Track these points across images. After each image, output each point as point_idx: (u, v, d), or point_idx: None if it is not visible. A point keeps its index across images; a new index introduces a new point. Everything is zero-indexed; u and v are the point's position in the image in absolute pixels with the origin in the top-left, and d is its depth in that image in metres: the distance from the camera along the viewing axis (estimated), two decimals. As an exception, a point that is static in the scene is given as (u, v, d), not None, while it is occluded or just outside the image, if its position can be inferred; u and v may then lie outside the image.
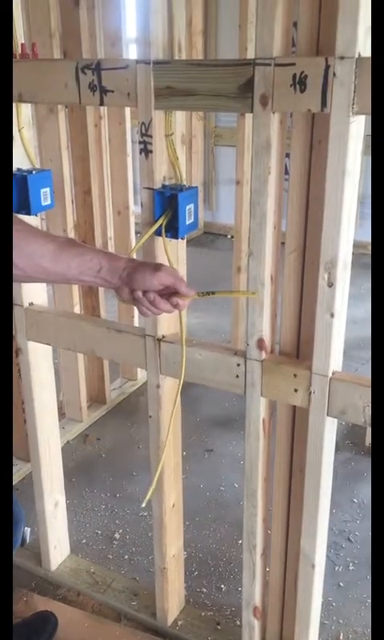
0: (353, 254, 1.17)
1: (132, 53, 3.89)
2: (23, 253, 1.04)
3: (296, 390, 1.25)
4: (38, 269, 1.08)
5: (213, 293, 1.22)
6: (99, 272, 1.12)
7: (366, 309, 3.51)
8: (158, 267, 1.14)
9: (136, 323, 2.83)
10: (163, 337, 1.39)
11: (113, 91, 1.26)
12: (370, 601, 1.83)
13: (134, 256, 1.29)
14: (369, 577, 1.91)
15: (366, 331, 3.12)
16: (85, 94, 1.30)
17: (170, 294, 1.15)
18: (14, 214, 1.26)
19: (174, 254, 1.34)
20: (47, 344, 1.64)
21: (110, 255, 1.14)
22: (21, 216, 1.49)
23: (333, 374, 1.21)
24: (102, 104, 1.29)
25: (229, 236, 4.89)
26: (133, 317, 2.88)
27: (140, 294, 1.13)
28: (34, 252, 1.07)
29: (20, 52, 1.42)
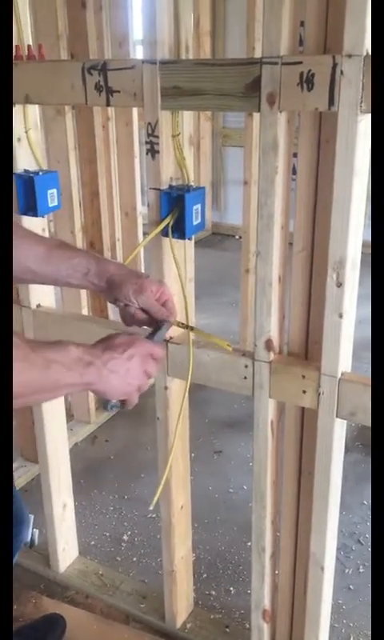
0: (362, 253, 1.16)
1: (139, 54, 3.89)
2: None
3: (304, 392, 1.24)
4: (26, 271, 1.07)
5: (192, 328, 1.22)
6: (87, 275, 1.11)
7: (375, 309, 3.49)
8: (142, 289, 1.09)
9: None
10: (171, 338, 1.39)
11: (119, 91, 1.26)
12: (380, 604, 1.81)
13: (141, 253, 1.28)
14: (379, 579, 1.90)
15: (376, 332, 3.11)
16: (91, 95, 1.29)
17: None
18: None
19: (180, 254, 1.34)
20: (55, 345, 1.63)
21: (99, 259, 1.13)
22: (24, 218, 1.50)
23: (342, 374, 1.20)
24: (108, 104, 1.29)
25: (237, 237, 4.88)
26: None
27: (122, 304, 1.12)
28: (23, 254, 1.06)
29: (27, 54, 1.42)
